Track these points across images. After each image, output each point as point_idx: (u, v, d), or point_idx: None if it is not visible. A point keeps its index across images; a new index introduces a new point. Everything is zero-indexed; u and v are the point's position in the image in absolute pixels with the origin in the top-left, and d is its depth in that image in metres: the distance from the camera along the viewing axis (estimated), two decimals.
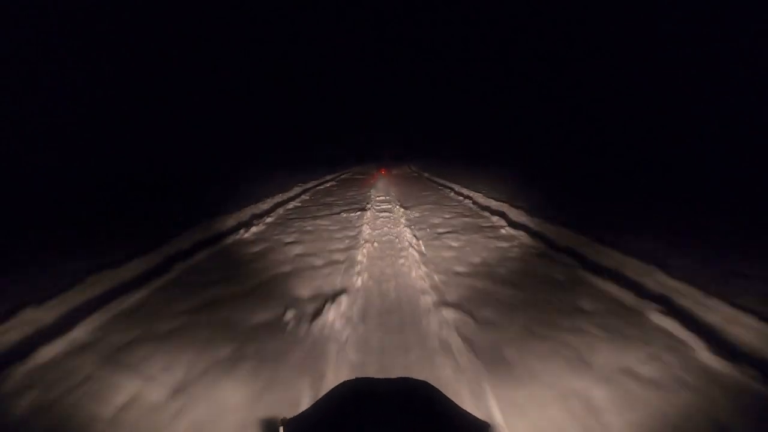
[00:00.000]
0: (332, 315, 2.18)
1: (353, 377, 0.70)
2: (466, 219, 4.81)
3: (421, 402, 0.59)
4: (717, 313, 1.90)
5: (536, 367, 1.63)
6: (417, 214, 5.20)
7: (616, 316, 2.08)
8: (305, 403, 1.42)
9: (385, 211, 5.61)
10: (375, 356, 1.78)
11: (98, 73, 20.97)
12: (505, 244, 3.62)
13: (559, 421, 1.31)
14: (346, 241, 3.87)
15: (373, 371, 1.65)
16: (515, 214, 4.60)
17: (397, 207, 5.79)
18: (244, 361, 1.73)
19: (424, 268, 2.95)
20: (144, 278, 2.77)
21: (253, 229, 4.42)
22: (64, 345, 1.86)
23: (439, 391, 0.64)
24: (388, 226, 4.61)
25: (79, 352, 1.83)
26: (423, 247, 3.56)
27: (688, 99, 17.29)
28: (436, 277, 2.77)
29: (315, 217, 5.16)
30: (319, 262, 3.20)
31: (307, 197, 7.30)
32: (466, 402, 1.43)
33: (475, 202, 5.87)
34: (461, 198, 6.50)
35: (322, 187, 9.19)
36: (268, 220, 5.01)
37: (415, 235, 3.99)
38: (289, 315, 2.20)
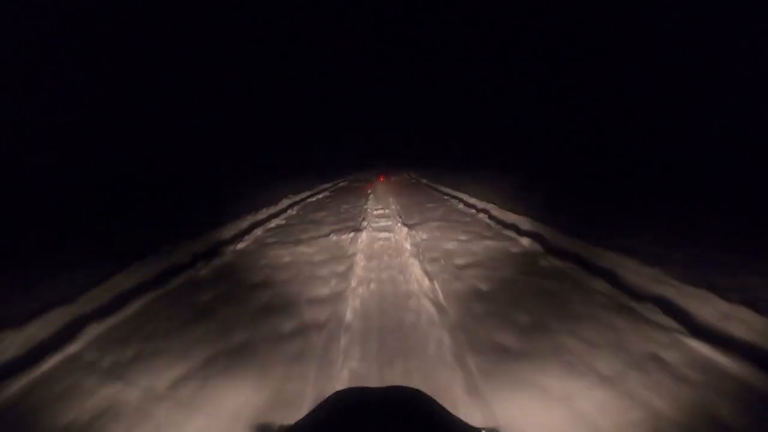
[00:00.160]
0: None
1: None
2: (489, 242, 3.79)
3: (414, 411, 0.60)
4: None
5: None
6: (424, 236, 4.17)
7: None
8: None
9: (384, 230, 4.59)
10: None
11: (98, 73, 20.98)
12: (554, 285, 2.56)
13: None
14: (332, 282, 2.82)
15: None
16: (550, 234, 3.62)
17: (399, 225, 4.75)
18: None
19: (449, 342, 1.90)
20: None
21: (216, 261, 3.42)
22: None
23: (433, 400, 0.64)
24: (389, 254, 3.57)
25: None
26: (440, 295, 2.51)
27: (688, 99, 17.31)
28: (472, 363, 1.71)
29: (298, 242, 4.07)
30: (287, 326, 2.14)
31: (294, 211, 6.22)
32: None
33: (491, 216, 4.94)
34: (473, 211, 5.50)
35: (313, 199, 7.97)
36: (240, 246, 3.98)
37: (426, 272, 2.95)
38: None
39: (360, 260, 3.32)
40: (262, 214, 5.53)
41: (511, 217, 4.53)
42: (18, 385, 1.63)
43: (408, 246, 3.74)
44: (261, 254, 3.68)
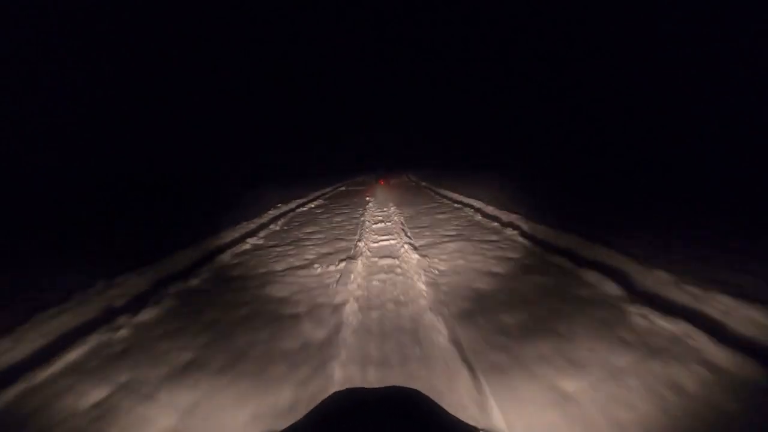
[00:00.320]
0: None
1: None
2: (538, 278, 2.58)
3: (413, 410, 0.60)
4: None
5: None
6: (443, 267, 2.99)
7: None
8: None
9: (386, 256, 3.41)
10: None
11: (98, 73, 21.00)
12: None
13: None
14: (303, 370, 1.62)
15: None
16: (640, 275, 2.38)
17: (405, 248, 3.57)
18: None
19: None
20: None
21: (142, 317, 2.23)
22: None
23: (431, 400, 0.65)
24: (395, 299, 2.42)
25: None
26: (496, 410, 1.30)
27: (688, 99, 17.32)
28: None
29: (266, 278, 2.93)
30: None
31: (277, 226, 5.25)
32: None
33: (525, 234, 3.82)
34: (497, 225, 4.43)
35: (304, 208, 7.18)
36: (194, 282, 2.90)
37: (456, 343, 1.78)
38: None
39: (350, 318, 2.15)
40: (237, 231, 4.70)
41: (554, 237, 3.49)
42: None
43: (422, 286, 2.59)
44: (207, 301, 2.50)
